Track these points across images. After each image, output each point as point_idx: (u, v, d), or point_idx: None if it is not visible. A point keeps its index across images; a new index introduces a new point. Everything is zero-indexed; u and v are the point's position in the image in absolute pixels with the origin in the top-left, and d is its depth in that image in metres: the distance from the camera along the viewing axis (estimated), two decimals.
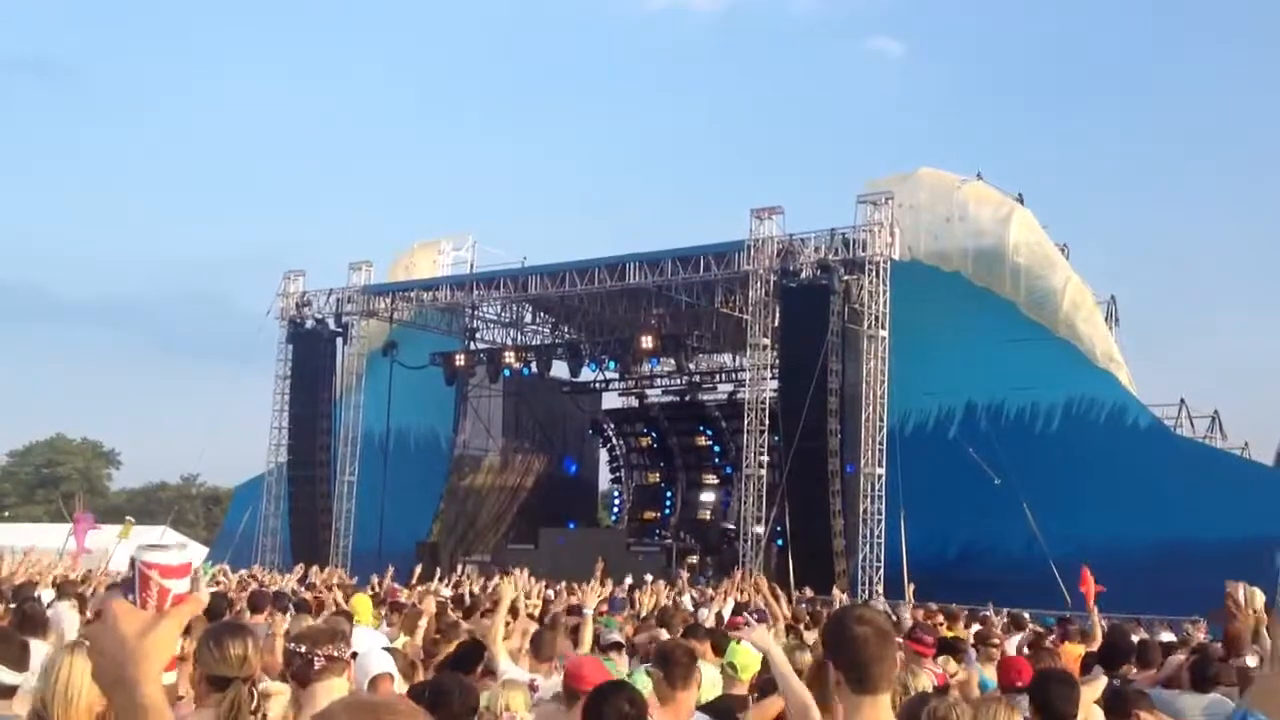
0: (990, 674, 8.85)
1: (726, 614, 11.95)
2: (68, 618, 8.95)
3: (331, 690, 3.88)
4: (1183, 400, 28.66)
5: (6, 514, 67.93)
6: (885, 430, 28.07)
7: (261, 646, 6.96)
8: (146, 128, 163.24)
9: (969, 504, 26.71)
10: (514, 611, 10.23)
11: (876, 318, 28.31)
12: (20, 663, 4.28)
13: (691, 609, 13.73)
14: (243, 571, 23.08)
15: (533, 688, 5.74)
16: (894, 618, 11.86)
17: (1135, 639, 9.61)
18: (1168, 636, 13.04)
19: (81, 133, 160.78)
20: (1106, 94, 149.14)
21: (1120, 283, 75.93)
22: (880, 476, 27.79)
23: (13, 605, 8.87)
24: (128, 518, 26.66)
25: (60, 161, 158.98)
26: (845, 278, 28.48)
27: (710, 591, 18.83)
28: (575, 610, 9.53)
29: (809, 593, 22.10)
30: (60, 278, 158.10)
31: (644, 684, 5.38)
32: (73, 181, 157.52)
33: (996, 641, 9.91)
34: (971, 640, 10.19)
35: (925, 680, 6.47)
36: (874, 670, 3.19)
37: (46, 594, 10.88)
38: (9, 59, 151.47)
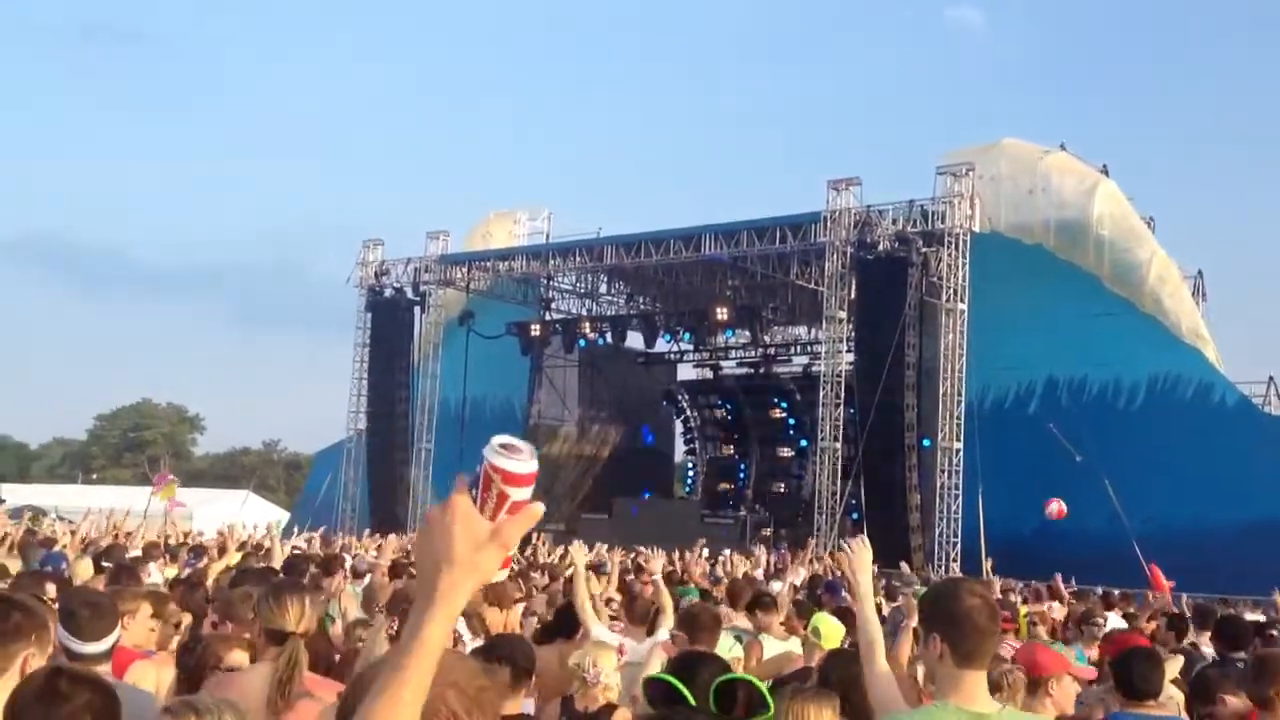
0: (1089, 654, 8.73)
1: (797, 584, 11.87)
2: (155, 579, 9.13)
3: None
4: (1271, 378, 28.04)
5: (94, 476, 69.65)
6: (963, 405, 27.72)
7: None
8: (231, 96, 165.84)
9: (1048, 480, 26.27)
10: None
11: (955, 291, 27.92)
12: (93, 631, 4.11)
13: (762, 580, 13.69)
14: (314, 535, 23.32)
15: (620, 651, 5.80)
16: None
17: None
18: (1251, 617, 12.75)
19: (168, 101, 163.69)
20: (1194, 63, 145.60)
21: (1207, 257, 74.33)
22: (957, 451, 27.47)
23: (105, 564, 9.08)
24: (170, 477, 27.27)
25: (145, 130, 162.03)
26: (924, 250, 28.12)
27: (787, 559, 18.71)
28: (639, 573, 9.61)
29: (874, 568, 21.90)
30: (146, 245, 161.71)
31: (722, 651, 5.40)
32: (158, 150, 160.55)
33: (1100, 621, 9.68)
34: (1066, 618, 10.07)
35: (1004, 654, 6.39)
36: (984, 644, 3.16)
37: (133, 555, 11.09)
38: (95, 28, 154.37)
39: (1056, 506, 22.39)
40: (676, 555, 16.39)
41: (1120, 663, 5.50)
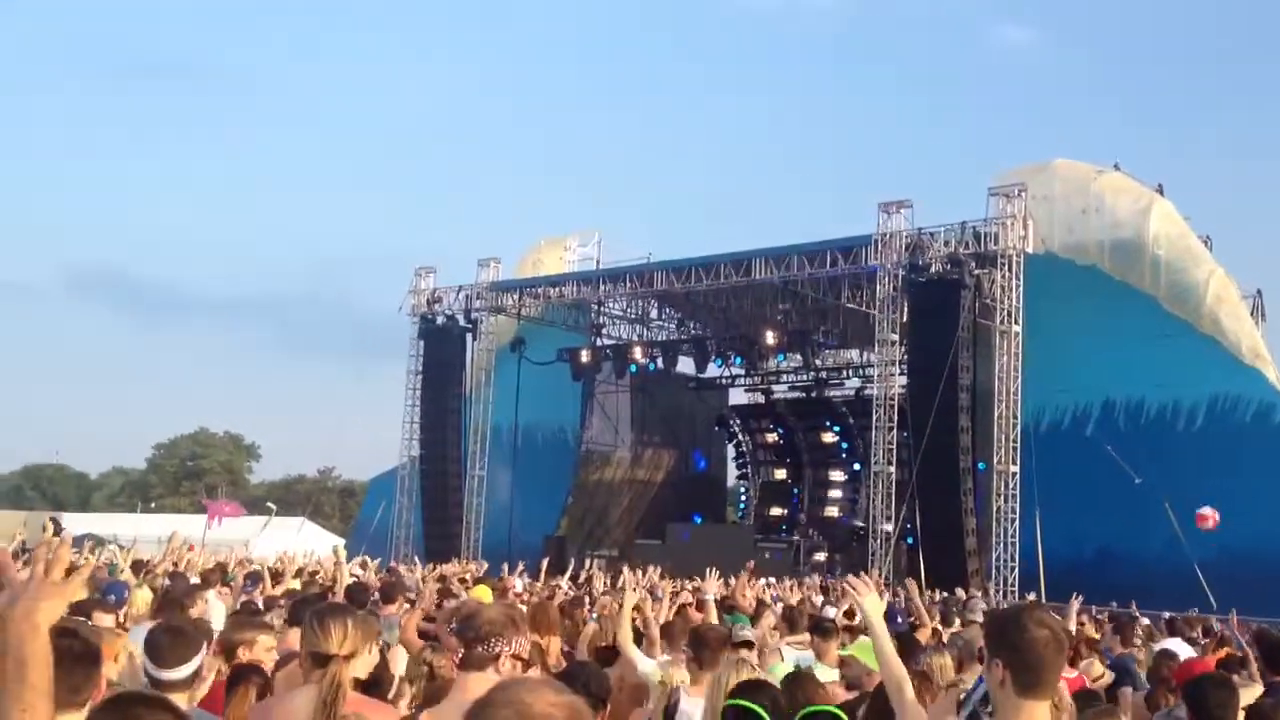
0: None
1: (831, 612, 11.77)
2: (215, 606, 9.21)
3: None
4: None
5: (153, 505, 70.46)
6: (1019, 427, 27.45)
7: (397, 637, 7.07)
8: (281, 126, 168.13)
9: (1107, 503, 25.97)
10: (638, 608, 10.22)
11: (1009, 312, 27.71)
12: (173, 658, 4.22)
13: (819, 605, 13.60)
14: (373, 560, 23.40)
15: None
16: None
17: None
18: None
19: (216, 132, 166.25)
20: (1249, 79, 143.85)
21: (1267, 275, 73.15)
22: (1014, 474, 27.19)
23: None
24: (269, 505, 27.59)
25: (201, 161, 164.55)
26: (976, 271, 27.93)
27: (841, 586, 18.52)
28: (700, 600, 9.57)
29: (938, 593, 21.68)
30: (203, 276, 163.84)
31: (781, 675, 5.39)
32: (213, 181, 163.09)
33: (1138, 643, 9.66)
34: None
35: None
36: (1046, 675, 3.12)
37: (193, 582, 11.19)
38: (149, 64, 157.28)
39: (1211, 518, 21.72)
40: (726, 581, 16.27)
41: (1193, 690, 5.36)
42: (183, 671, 4.25)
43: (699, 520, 39.57)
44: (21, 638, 2.49)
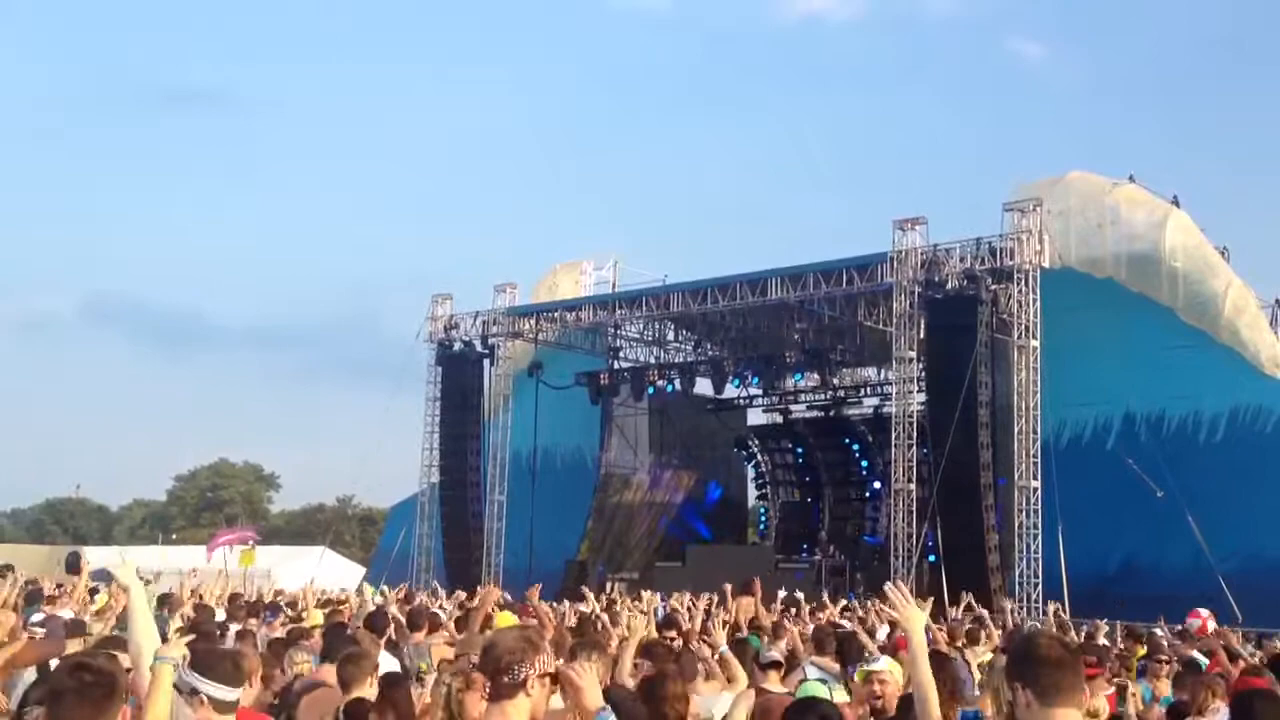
0: (1158, 689, 8.65)
1: (882, 634, 11.74)
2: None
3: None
4: None
5: (174, 537, 70.68)
6: (1039, 442, 27.35)
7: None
8: (298, 155, 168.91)
9: (1130, 517, 25.87)
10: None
11: (1027, 327, 27.66)
12: (235, 678, 4.42)
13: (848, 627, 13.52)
14: (403, 586, 23.36)
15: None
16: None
17: None
18: None
19: (234, 159, 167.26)
20: (1261, 87, 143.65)
21: None
22: (1035, 490, 27.09)
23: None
24: (252, 537, 27.79)
25: (215, 190, 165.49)
26: (993, 287, 27.92)
27: (870, 608, 18.43)
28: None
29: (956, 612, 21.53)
30: (216, 303, 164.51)
31: (819, 693, 5.40)
32: (227, 209, 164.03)
33: (1165, 658, 9.68)
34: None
35: (1100, 702, 6.33)
36: (1059, 678, 3.20)
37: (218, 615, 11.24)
38: (169, 91, 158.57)
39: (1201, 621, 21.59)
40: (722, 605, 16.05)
41: (1241, 703, 5.37)
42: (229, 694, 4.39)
43: (709, 536, 39.70)
44: None
